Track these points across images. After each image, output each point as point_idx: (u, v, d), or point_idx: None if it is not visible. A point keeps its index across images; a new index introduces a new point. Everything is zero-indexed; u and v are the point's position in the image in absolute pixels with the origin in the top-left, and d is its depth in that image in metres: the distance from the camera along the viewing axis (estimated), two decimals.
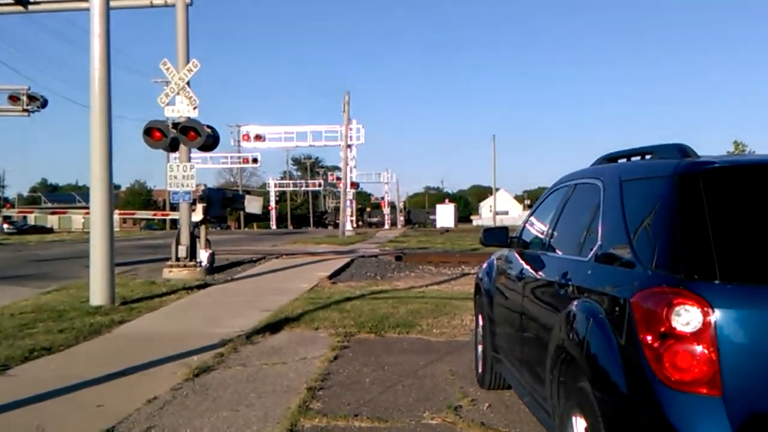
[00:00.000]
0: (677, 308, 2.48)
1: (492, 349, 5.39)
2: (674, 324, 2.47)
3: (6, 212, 57.52)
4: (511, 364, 4.74)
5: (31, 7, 18.93)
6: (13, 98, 29.87)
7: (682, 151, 3.15)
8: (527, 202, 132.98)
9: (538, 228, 4.96)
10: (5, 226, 62.71)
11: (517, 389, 4.68)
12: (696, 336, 2.45)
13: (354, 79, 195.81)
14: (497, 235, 5.41)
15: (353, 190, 61.84)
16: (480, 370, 5.86)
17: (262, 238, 42.71)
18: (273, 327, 8.63)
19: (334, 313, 9.65)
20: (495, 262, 5.72)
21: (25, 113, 30.33)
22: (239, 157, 70.81)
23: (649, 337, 2.54)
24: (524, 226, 5.29)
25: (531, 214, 5.32)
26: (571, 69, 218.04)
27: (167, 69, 14.76)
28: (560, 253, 4.10)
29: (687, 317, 2.46)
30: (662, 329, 2.50)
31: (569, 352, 3.17)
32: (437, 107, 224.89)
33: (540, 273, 4.23)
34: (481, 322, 5.95)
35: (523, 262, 4.72)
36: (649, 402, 2.49)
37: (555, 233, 4.36)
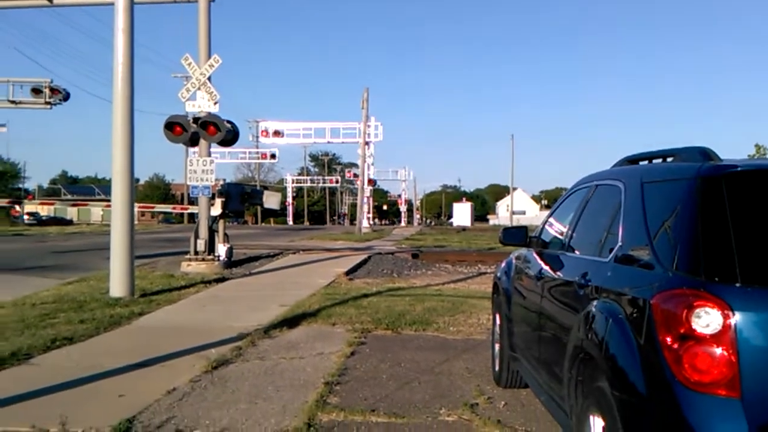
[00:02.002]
0: (697, 310, 2.49)
1: (509, 348, 5.41)
2: (694, 326, 2.49)
3: (27, 204, 58.20)
4: (528, 363, 4.76)
5: (56, 1, 19.14)
6: (36, 91, 30.25)
7: (705, 154, 3.16)
8: (544, 202, 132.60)
9: (557, 228, 4.96)
10: (26, 217, 63.46)
11: (533, 388, 4.69)
12: (715, 338, 2.46)
13: (373, 76, 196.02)
14: (516, 235, 5.42)
15: (370, 188, 61.87)
16: (497, 369, 5.89)
17: (279, 234, 42.87)
18: (290, 322, 8.69)
19: (351, 309, 9.70)
20: (513, 261, 5.73)
21: (47, 106, 30.70)
22: (257, 153, 71.03)
23: (668, 339, 2.55)
24: (543, 226, 5.30)
25: (551, 215, 5.33)
26: (591, 69, 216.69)
27: (189, 64, 14.87)
28: (580, 253, 4.11)
29: (707, 319, 2.47)
30: (682, 331, 2.51)
31: (588, 352, 3.19)
32: (456, 106, 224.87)
33: (559, 273, 4.25)
34: (498, 321, 5.97)
35: (542, 262, 4.74)
36: (667, 403, 2.51)
37: (575, 234, 4.36)
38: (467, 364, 6.63)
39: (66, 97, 30.77)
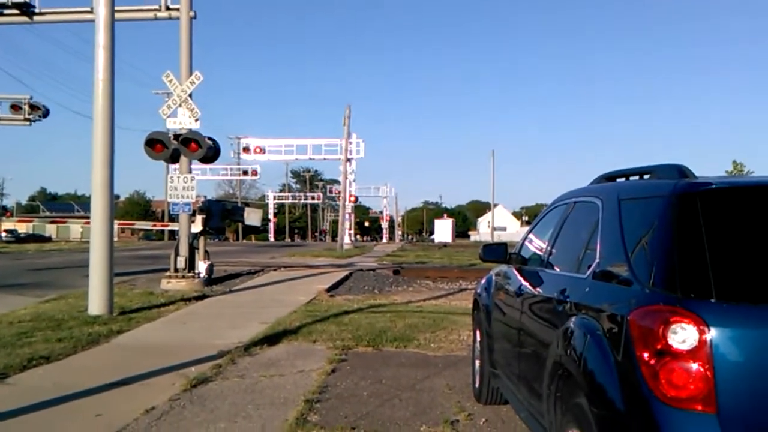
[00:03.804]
0: (673, 326, 2.52)
1: (489, 364, 5.42)
2: (670, 341, 2.51)
3: (5, 221, 57.60)
4: (509, 379, 4.76)
5: (36, 18, 19.09)
6: (15, 107, 29.95)
7: (680, 171, 3.21)
8: (525, 218, 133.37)
9: (536, 245, 4.99)
10: (3, 234, 62.72)
11: (514, 404, 4.70)
12: (692, 354, 2.49)
13: (354, 93, 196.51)
14: (496, 251, 5.44)
15: (352, 204, 61.84)
16: (477, 385, 5.89)
17: (261, 250, 42.70)
18: (271, 339, 8.65)
19: (332, 326, 9.67)
20: (494, 278, 5.75)
21: (27, 122, 30.38)
22: (239, 169, 70.88)
23: (645, 354, 2.58)
24: (523, 243, 5.33)
25: (530, 231, 5.36)
26: (572, 85, 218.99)
27: (170, 81, 14.85)
28: (558, 269, 4.14)
29: (683, 335, 2.50)
30: (659, 346, 2.54)
31: (567, 368, 3.21)
32: (437, 122, 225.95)
33: (538, 289, 4.27)
34: (478, 338, 5.98)
35: (521, 279, 4.76)
36: (645, 418, 2.53)
37: (554, 250, 4.40)
38: (448, 381, 6.63)
39: (46, 113, 30.49)
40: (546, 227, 4.80)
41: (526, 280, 4.64)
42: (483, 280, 6.17)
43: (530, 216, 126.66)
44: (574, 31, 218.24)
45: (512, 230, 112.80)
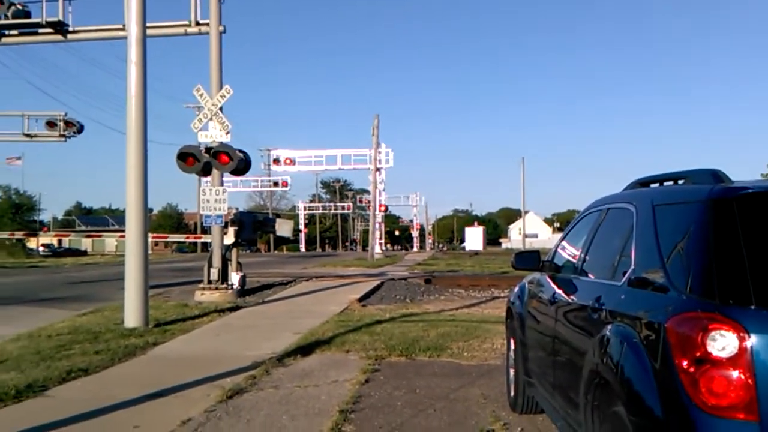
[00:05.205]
0: (712, 333, 2.48)
1: (524, 373, 5.38)
2: (710, 349, 2.48)
3: (42, 235, 59.02)
4: (544, 389, 4.72)
5: (69, 36, 19.52)
6: (51, 124, 30.68)
7: (716, 176, 3.16)
8: (557, 224, 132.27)
9: (570, 252, 4.96)
10: (41, 249, 64.11)
11: (550, 413, 4.66)
12: (732, 361, 2.45)
13: (383, 102, 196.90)
14: (529, 259, 5.42)
15: (382, 213, 61.93)
16: (512, 394, 5.85)
17: (292, 261, 42.92)
18: (304, 350, 8.68)
19: (364, 336, 9.68)
20: (527, 285, 5.72)
21: (62, 139, 31.13)
22: (269, 181, 71.47)
23: (684, 362, 2.54)
24: (556, 250, 5.29)
25: (563, 239, 5.32)
26: (603, 91, 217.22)
27: (201, 95, 15.03)
28: (593, 277, 4.11)
29: (722, 342, 2.46)
30: (698, 354, 2.50)
31: (603, 377, 3.17)
32: (466, 130, 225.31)
33: (572, 297, 4.24)
34: (513, 346, 5.94)
35: (555, 286, 4.73)
36: (684, 427, 2.49)
37: (587, 257, 4.36)
38: (482, 390, 6.59)
39: (80, 129, 31.15)
40: (579, 234, 4.77)
41: (559, 287, 4.61)
42: (516, 289, 6.14)
43: (562, 222, 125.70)
44: (609, 37, 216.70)
45: (544, 237, 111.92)
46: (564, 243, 5.23)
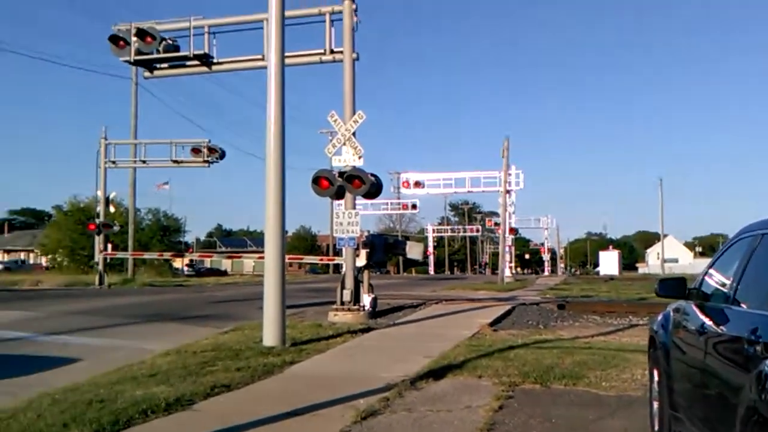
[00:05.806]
0: None
1: (670, 407, 5.11)
2: None
3: (188, 256, 63.05)
4: (692, 423, 4.47)
5: (214, 67, 20.69)
6: (195, 150, 32.75)
7: None
8: (699, 249, 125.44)
9: (719, 280, 4.70)
10: (185, 268, 68.13)
11: None
12: None
13: (514, 123, 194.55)
14: (674, 287, 5.18)
15: (512, 236, 61.08)
16: (656, 428, 5.57)
17: (421, 283, 43.10)
18: (436, 373, 8.66)
19: (497, 362, 9.53)
20: (672, 314, 5.46)
21: (206, 164, 33.15)
22: (399, 203, 72.44)
23: None
24: (703, 278, 5.03)
25: (711, 266, 5.06)
26: (746, 109, 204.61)
27: (335, 121, 15.48)
28: (747, 307, 3.86)
29: None
30: None
31: (762, 414, 2.97)
32: (600, 150, 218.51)
33: (724, 328, 4.00)
34: (656, 377, 5.67)
35: (703, 316, 4.48)
36: None
37: (740, 286, 4.11)
38: (623, 422, 6.31)
39: (222, 155, 33.04)
40: (730, 261, 4.51)
41: (708, 317, 4.37)
42: (659, 317, 5.87)
43: (704, 247, 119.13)
44: (750, 47, 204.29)
45: (684, 262, 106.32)
46: (712, 270, 4.97)
